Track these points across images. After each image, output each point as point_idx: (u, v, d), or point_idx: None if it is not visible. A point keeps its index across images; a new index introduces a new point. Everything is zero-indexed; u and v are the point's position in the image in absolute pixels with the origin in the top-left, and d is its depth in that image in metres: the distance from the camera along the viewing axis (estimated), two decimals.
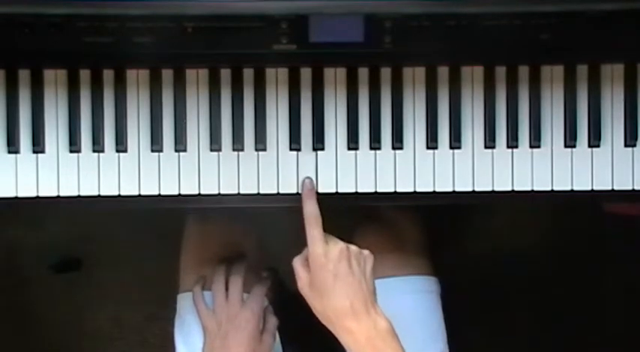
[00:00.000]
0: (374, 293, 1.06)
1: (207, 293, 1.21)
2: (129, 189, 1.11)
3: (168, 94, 1.11)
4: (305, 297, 1.06)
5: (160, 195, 1.11)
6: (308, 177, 1.10)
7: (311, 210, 1.06)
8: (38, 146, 1.10)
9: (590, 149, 1.12)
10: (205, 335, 1.19)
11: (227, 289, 1.20)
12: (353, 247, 1.06)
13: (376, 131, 1.11)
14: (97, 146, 1.11)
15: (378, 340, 1.02)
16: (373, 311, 1.03)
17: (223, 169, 1.11)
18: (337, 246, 1.04)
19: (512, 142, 1.12)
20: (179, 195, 1.11)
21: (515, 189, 1.12)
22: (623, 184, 1.12)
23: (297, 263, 1.06)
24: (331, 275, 1.03)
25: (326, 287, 1.03)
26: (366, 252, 1.07)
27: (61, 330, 1.88)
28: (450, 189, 1.12)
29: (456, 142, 1.11)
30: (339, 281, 1.03)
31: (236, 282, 1.20)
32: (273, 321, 1.21)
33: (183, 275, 1.28)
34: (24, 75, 1.11)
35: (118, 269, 1.87)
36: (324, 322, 1.05)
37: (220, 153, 1.11)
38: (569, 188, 1.12)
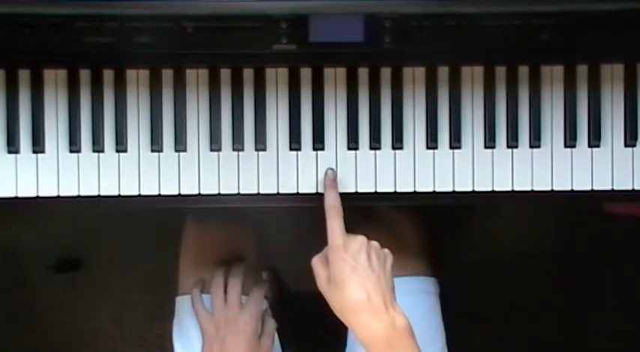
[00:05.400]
0: (393, 290, 1.04)
1: (205, 296, 1.21)
2: (129, 189, 1.11)
3: (169, 94, 1.11)
4: (323, 294, 1.03)
5: (159, 195, 1.11)
6: (331, 168, 1.10)
7: (332, 201, 1.05)
8: (38, 146, 1.10)
9: (590, 149, 1.12)
10: (204, 339, 1.19)
11: (226, 292, 1.19)
12: (374, 242, 1.04)
13: (376, 131, 1.11)
14: (97, 146, 1.11)
15: (395, 338, 0.99)
16: (391, 308, 1.01)
17: (223, 169, 1.11)
18: (357, 239, 1.03)
19: (512, 142, 1.12)
20: (179, 195, 1.11)
21: (515, 189, 1.12)
22: (623, 184, 1.12)
23: (316, 261, 1.04)
24: (349, 266, 1.00)
25: (343, 279, 1.00)
26: (386, 250, 1.05)
27: (61, 330, 1.88)
28: (449, 189, 1.12)
29: (455, 142, 1.11)
30: (357, 274, 1.00)
31: (235, 285, 1.19)
32: (271, 324, 1.21)
33: (182, 278, 1.28)
34: (24, 75, 1.11)
35: (118, 269, 1.87)
36: (341, 318, 1.02)
37: (220, 153, 1.11)
38: (569, 188, 1.12)
